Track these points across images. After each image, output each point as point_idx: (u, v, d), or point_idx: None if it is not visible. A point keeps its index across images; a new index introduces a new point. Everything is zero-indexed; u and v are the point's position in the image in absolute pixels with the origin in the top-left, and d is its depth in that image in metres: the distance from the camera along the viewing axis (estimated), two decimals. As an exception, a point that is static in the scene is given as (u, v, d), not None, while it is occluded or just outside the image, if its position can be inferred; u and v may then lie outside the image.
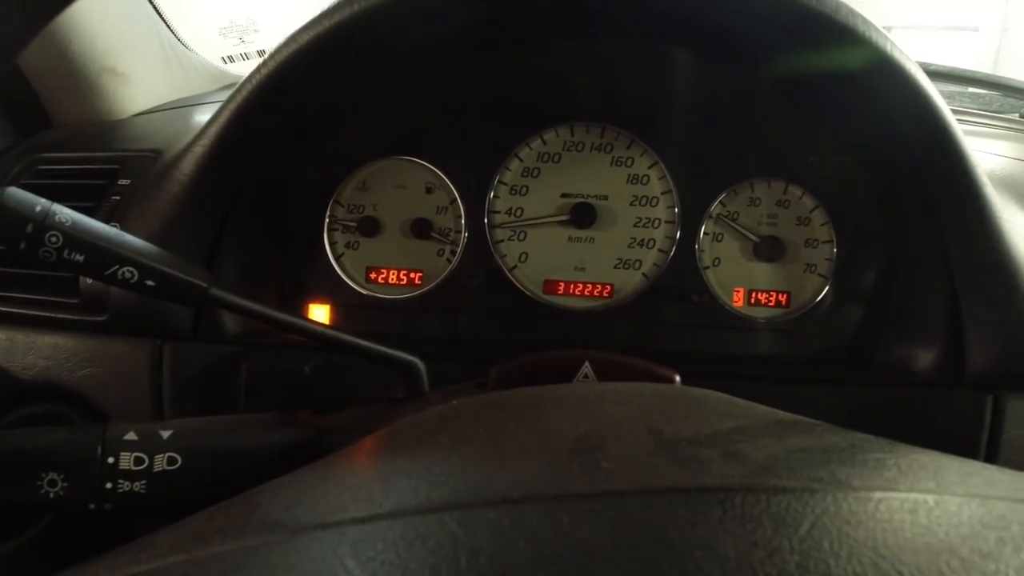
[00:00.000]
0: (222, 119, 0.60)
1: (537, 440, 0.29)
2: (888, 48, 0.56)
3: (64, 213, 0.46)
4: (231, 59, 1.18)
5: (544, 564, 0.19)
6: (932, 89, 0.58)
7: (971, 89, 1.36)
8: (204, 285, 0.50)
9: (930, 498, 0.24)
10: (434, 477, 0.26)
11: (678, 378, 0.49)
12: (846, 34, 0.55)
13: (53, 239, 0.45)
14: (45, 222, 0.45)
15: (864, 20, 0.56)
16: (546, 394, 0.36)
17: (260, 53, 1.21)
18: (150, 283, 0.48)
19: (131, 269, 0.47)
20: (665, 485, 0.24)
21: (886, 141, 0.62)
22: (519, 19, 0.60)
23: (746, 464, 0.26)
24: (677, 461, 0.26)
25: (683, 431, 0.30)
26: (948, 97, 1.36)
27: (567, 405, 0.34)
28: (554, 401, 0.35)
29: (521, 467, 0.26)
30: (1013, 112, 1.26)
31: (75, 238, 0.45)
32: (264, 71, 0.59)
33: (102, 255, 0.46)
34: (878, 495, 0.23)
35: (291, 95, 0.61)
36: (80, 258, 0.46)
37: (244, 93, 0.59)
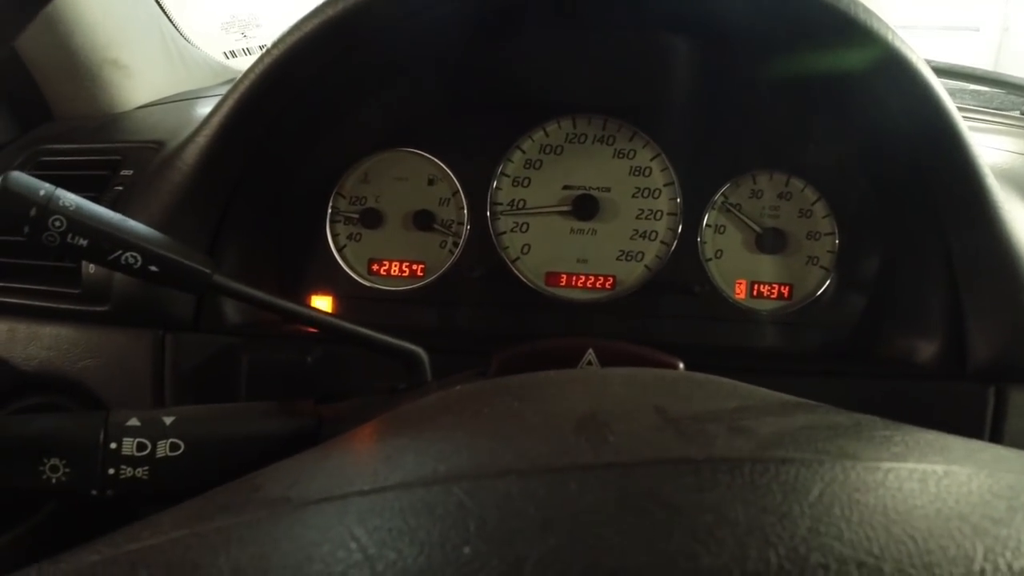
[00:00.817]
0: (225, 109, 0.60)
1: (542, 418, 0.29)
2: (894, 42, 0.56)
3: (68, 198, 0.46)
4: (233, 54, 1.18)
5: (553, 528, 0.19)
6: (936, 82, 0.58)
7: (972, 86, 1.36)
8: (207, 271, 0.50)
9: (939, 468, 0.24)
10: (439, 452, 0.26)
11: (682, 365, 0.49)
12: (852, 28, 0.55)
13: (57, 223, 0.45)
14: (49, 206, 0.45)
15: (869, 13, 0.56)
16: (550, 377, 0.36)
17: (262, 48, 1.21)
18: (153, 268, 0.48)
19: (134, 254, 0.47)
20: (672, 456, 0.24)
21: (889, 133, 0.62)
22: (519, 9, 0.60)
23: (752, 438, 0.26)
24: (684, 435, 0.26)
25: (688, 409, 0.30)
26: (949, 94, 1.36)
27: (571, 387, 0.34)
28: (558, 383, 0.35)
29: (527, 442, 0.26)
30: (1014, 110, 1.26)
31: (79, 222, 0.45)
32: (267, 61, 0.59)
33: (106, 240, 0.46)
34: (886, 465, 0.23)
35: (293, 85, 0.61)
36: (84, 242, 0.46)
37: (247, 83, 0.59)
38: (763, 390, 0.36)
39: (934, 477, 0.23)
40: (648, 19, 0.63)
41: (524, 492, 0.21)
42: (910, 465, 0.24)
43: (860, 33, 0.55)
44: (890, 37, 0.56)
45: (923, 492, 0.22)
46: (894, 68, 0.57)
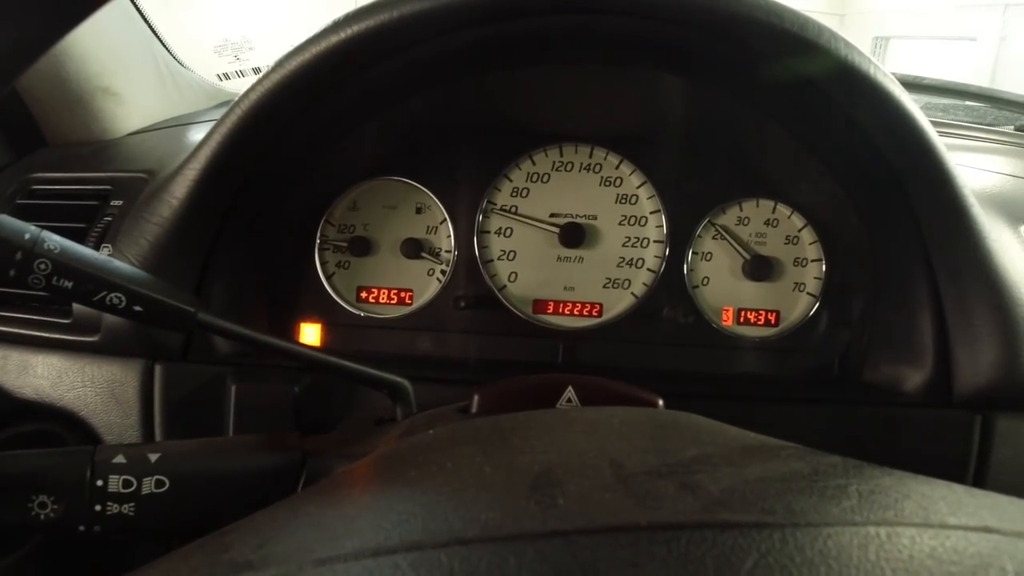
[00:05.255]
0: (213, 142, 0.61)
1: (500, 474, 0.30)
2: (848, 55, 0.56)
3: (53, 240, 0.46)
4: (226, 76, 1.19)
5: None
6: (906, 98, 0.57)
7: (966, 103, 1.37)
8: (191, 310, 0.50)
9: (883, 531, 0.24)
10: (396, 516, 0.27)
11: (661, 402, 0.49)
12: (801, 44, 0.55)
13: (42, 266, 0.45)
14: (34, 250, 0.45)
15: (819, 28, 0.56)
16: (520, 423, 0.37)
17: (255, 70, 1.22)
18: (138, 309, 0.49)
19: (119, 295, 0.48)
20: (616, 523, 0.24)
21: (869, 158, 0.63)
22: (503, 46, 0.61)
23: (699, 497, 0.26)
24: (633, 496, 0.26)
25: (645, 462, 0.30)
26: (943, 111, 1.36)
27: (537, 436, 0.35)
28: (525, 431, 0.35)
29: (479, 505, 0.27)
30: (1008, 125, 1.26)
31: (64, 265, 0.46)
32: (253, 96, 0.59)
33: (90, 282, 0.47)
34: (827, 530, 0.24)
35: (280, 119, 0.61)
36: (69, 284, 0.46)
37: (233, 117, 0.60)
38: (730, 431, 0.37)
39: (875, 543, 0.23)
40: (623, 55, 0.63)
41: (465, 567, 0.22)
42: (853, 528, 0.24)
43: (809, 47, 0.55)
44: (836, 47, 0.55)
45: (862, 561, 0.22)
46: (851, 80, 0.56)
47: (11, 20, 0.27)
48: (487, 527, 0.24)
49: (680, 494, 0.27)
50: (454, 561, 0.22)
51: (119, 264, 0.49)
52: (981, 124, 1.26)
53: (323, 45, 0.57)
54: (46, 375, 0.66)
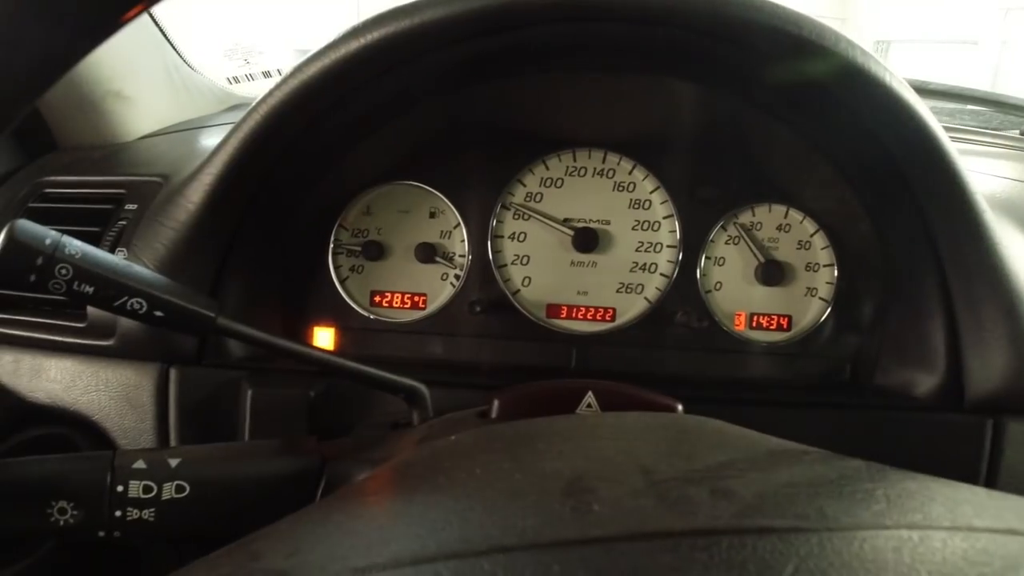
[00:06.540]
0: (229, 148, 0.61)
1: (531, 481, 0.30)
2: (863, 61, 0.56)
3: (73, 245, 0.46)
4: (236, 80, 1.19)
5: None
6: (918, 103, 0.58)
7: (970, 107, 1.37)
8: (211, 315, 0.50)
9: (915, 535, 0.24)
10: (430, 524, 0.27)
11: (680, 407, 0.49)
12: (817, 50, 0.56)
13: (63, 271, 0.46)
14: (55, 255, 0.45)
15: (835, 35, 0.56)
16: (543, 428, 0.37)
17: (265, 74, 1.22)
18: (158, 314, 0.49)
19: (140, 300, 0.48)
20: (653, 529, 0.24)
21: (881, 162, 0.63)
22: (519, 52, 0.61)
23: (733, 503, 0.26)
24: (666, 502, 0.26)
25: (673, 468, 0.30)
26: (948, 115, 1.37)
27: (562, 441, 0.35)
28: (549, 437, 0.35)
29: (514, 512, 0.27)
30: (1013, 129, 1.27)
31: (85, 270, 0.46)
32: (271, 101, 0.59)
33: (111, 287, 0.47)
34: (861, 534, 0.24)
35: (297, 124, 0.61)
36: (90, 290, 0.46)
37: (251, 122, 0.60)
38: (752, 435, 0.37)
39: (909, 546, 0.23)
40: (636, 62, 0.64)
41: (509, 574, 0.22)
42: (887, 532, 0.24)
43: (815, 49, 0.56)
44: (845, 49, 0.56)
45: (897, 563, 0.22)
46: (865, 85, 0.57)
47: (38, 36, 0.27)
48: (525, 535, 0.25)
49: (713, 500, 0.27)
50: (497, 569, 0.22)
51: (139, 269, 0.49)
52: (986, 128, 1.26)
53: (342, 51, 0.57)
54: (60, 379, 0.66)
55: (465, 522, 0.27)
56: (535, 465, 0.32)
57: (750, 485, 0.29)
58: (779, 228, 0.75)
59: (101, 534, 0.44)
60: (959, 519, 0.26)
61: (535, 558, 0.23)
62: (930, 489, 0.30)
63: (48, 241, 0.45)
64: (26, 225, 0.46)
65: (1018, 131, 1.25)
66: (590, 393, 0.50)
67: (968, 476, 0.62)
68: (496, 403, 0.49)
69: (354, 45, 0.56)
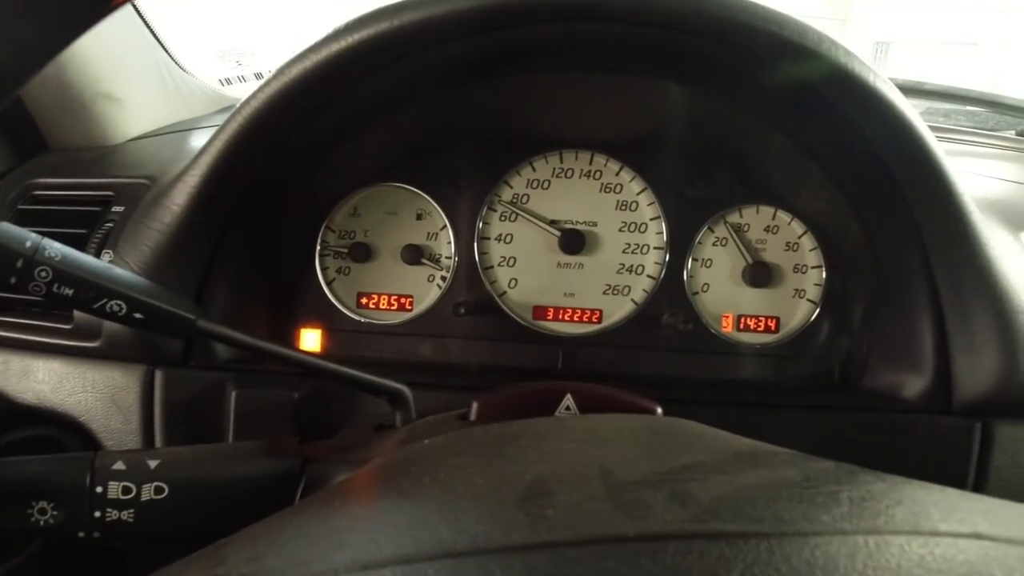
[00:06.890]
0: (213, 149, 0.61)
1: (493, 485, 0.30)
2: (847, 63, 0.56)
3: (54, 248, 0.47)
4: (228, 81, 1.19)
5: None
6: (905, 106, 0.57)
7: (967, 107, 1.37)
8: (192, 318, 0.50)
9: (872, 540, 0.24)
10: (389, 528, 0.27)
11: (659, 410, 0.49)
12: (800, 51, 0.55)
13: (43, 273, 0.46)
14: (35, 257, 0.45)
15: (819, 35, 0.56)
16: (515, 432, 0.37)
17: (257, 75, 1.22)
18: (138, 316, 0.49)
19: (119, 303, 0.48)
20: (603, 534, 0.24)
21: (869, 165, 0.63)
22: (505, 53, 0.61)
23: (689, 507, 0.26)
24: (621, 506, 0.26)
25: (636, 472, 0.30)
26: (944, 116, 1.37)
27: (531, 445, 0.35)
28: (519, 440, 0.35)
29: (469, 517, 0.27)
30: (1009, 130, 1.26)
31: (64, 272, 0.46)
32: (254, 103, 0.59)
33: (91, 289, 0.47)
34: (815, 539, 0.24)
35: (281, 126, 0.61)
36: (69, 292, 0.47)
37: (234, 124, 0.60)
38: (724, 436, 0.37)
39: (863, 552, 0.23)
40: (624, 63, 0.64)
41: None
42: (842, 537, 0.24)
43: (797, 49, 0.55)
44: (828, 49, 0.55)
45: (848, 570, 0.22)
46: (851, 87, 0.56)
47: (18, 26, 0.27)
48: (476, 539, 0.25)
49: (669, 503, 0.27)
50: (443, 574, 0.22)
51: (120, 272, 0.49)
52: (982, 129, 1.26)
53: (324, 53, 0.57)
54: (47, 380, 0.66)
55: (421, 527, 0.27)
56: (500, 469, 0.32)
57: (711, 488, 0.28)
58: (767, 229, 0.75)
59: (81, 535, 0.45)
60: (923, 523, 0.26)
61: (480, 563, 0.23)
62: (898, 491, 0.29)
63: (28, 244, 0.46)
64: (7, 228, 0.46)
65: (1014, 132, 1.25)
66: (569, 396, 0.50)
67: (956, 479, 0.62)
68: (475, 405, 0.49)
69: (335, 47, 0.56)
